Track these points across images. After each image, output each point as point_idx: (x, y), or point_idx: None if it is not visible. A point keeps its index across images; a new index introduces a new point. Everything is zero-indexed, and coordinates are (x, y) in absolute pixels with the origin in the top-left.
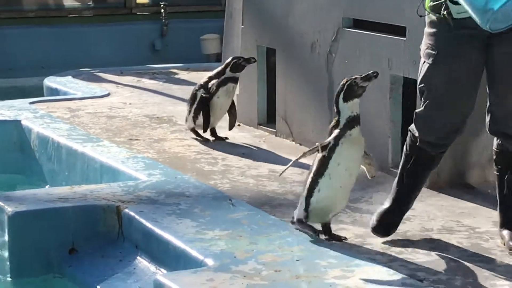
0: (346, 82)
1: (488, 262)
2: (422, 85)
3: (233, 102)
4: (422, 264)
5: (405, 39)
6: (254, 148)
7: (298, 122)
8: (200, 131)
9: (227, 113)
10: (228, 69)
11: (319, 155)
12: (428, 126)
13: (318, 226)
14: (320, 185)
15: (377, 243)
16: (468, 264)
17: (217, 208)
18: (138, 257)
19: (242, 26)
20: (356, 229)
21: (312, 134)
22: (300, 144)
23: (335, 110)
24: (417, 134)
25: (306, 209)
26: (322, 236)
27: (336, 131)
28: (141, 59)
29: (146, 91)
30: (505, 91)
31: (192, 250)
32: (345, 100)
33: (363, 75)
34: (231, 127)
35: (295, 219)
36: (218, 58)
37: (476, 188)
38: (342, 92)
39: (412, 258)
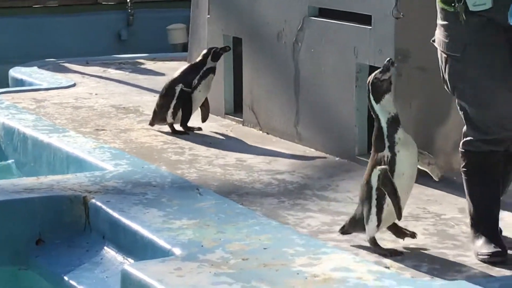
0: (368, 82)
1: (453, 249)
2: (455, 81)
3: None
4: (389, 251)
5: (370, 27)
6: (221, 137)
7: (265, 111)
8: (176, 126)
9: None
10: (209, 59)
11: (381, 169)
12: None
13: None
14: (388, 200)
15: None
16: (434, 251)
17: (184, 198)
18: (105, 247)
19: (208, 16)
20: (323, 217)
21: (279, 123)
22: (268, 134)
23: (374, 116)
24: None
25: (378, 225)
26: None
27: (386, 141)
28: (107, 49)
29: (112, 81)
30: None
31: (159, 239)
32: (377, 100)
33: (380, 69)
34: (204, 119)
35: (366, 239)
36: (184, 48)
37: (442, 176)
38: (371, 94)
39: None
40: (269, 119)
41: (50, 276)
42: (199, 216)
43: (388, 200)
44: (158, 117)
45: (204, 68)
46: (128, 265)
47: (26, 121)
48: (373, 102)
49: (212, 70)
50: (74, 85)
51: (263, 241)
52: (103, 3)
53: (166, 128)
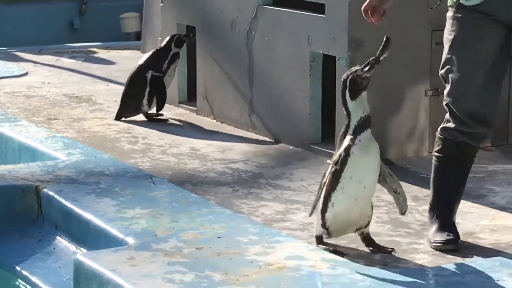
0: (348, 77)
1: (406, 236)
2: (443, 71)
3: None
4: (342, 239)
5: (324, 16)
6: (175, 126)
7: (219, 100)
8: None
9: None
10: (173, 45)
11: (331, 168)
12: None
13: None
14: (333, 199)
15: (297, 219)
16: (387, 239)
17: (138, 187)
18: (57, 237)
19: (162, 4)
20: (277, 205)
21: (233, 112)
22: (221, 122)
23: (345, 113)
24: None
25: (324, 225)
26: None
27: (346, 140)
28: (60, 38)
29: (65, 70)
30: None
31: (112, 229)
32: (353, 97)
33: (363, 65)
34: (161, 107)
35: (314, 235)
36: (138, 37)
37: (395, 164)
38: (347, 90)
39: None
40: (223, 108)
41: (2, 266)
42: (152, 205)
43: (333, 200)
44: (130, 108)
45: (171, 53)
46: (81, 254)
47: None
48: (348, 99)
49: (178, 56)
50: (26, 74)
51: (217, 230)
52: None
53: (139, 118)
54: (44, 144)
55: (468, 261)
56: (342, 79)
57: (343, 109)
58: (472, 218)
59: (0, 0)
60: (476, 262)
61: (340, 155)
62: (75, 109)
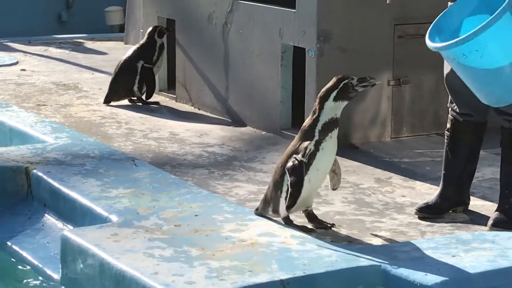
0: (343, 81)
1: (370, 215)
2: None
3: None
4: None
5: (295, 10)
6: (156, 112)
7: (196, 88)
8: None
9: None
10: (156, 37)
11: (299, 159)
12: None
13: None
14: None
15: None
16: (352, 217)
17: (121, 168)
18: (46, 215)
19: None
20: (250, 186)
21: (210, 99)
22: (199, 109)
23: (318, 107)
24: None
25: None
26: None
27: (316, 135)
28: (48, 29)
29: (53, 59)
30: None
31: (97, 207)
32: (336, 99)
33: (360, 78)
34: (150, 96)
35: (280, 217)
36: (121, 29)
37: (359, 148)
38: (336, 90)
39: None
40: (201, 95)
41: None
42: (134, 186)
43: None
44: (119, 93)
45: (158, 45)
46: (68, 231)
47: None
48: (331, 97)
49: (163, 46)
50: (16, 63)
51: (194, 208)
52: None
53: (124, 103)
54: (33, 128)
55: (426, 238)
56: (337, 78)
57: (317, 102)
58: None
59: None
60: (434, 239)
61: (309, 149)
62: (62, 96)
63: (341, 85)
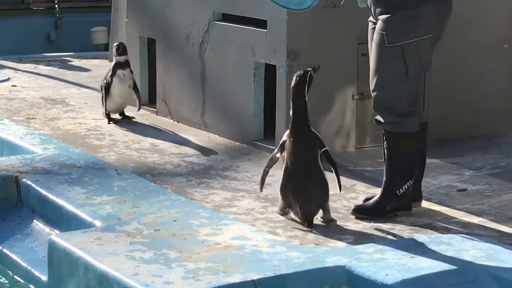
0: (308, 73)
1: (336, 219)
2: None
3: (136, 87)
4: (280, 222)
5: (266, 31)
6: (137, 125)
7: (175, 102)
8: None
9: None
10: (114, 54)
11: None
12: None
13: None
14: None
15: (242, 205)
16: (318, 222)
17: (105, 177)
18: (34, 220)
19: (126, 19)
20: (225, 193)
21: (188, 112)
22: (178, 122)
23: (298, 104)
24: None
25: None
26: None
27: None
28: (38, 48)
29: (42, 76)
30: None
31: (82, 213)
32: (308, 91)
33: (312, 68)
34: (138, 108)
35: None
36: (106, 48)
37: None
38: (307, 84)
39: (272, 217)
40: (179, 109)
41: None
42: (117, 193)
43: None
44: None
45: (113, 63)
46: (55, 235)
47: None
48: (305, 91)
49: (119, 65)
50: (8, 79)
51: (173, 214)
52: (34, 8)
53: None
54: (23, 140)
55: (388, 241)
56: (301, 74)
57: (296, 101)
58: None
59: None
60: (395, 242)
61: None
62: (50, 110)
63: (308, 78)
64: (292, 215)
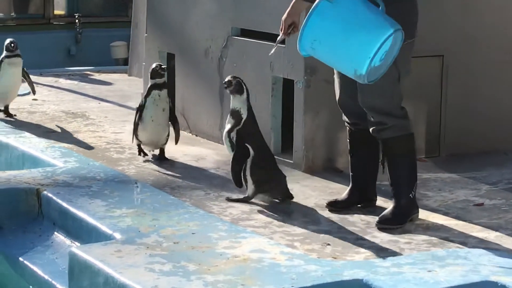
0: (239, 81)
1: (352, 233)
2: None
3: (173, 115)
4: (298, 235)
5: (284, 46)
6: None
7: (194, 116)
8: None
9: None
10: (149, 77)
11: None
12: None
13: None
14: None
15: (260, 218)
16: (336, 236)
17: (124, 190)
18: (55, 233)
19: (146, 34)
20: (243, 206)
21: (206, 126)
22: (196, 136)
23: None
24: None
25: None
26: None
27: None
28: (58, 63)
29: (63, 90)
30: None
31: (102, 225)
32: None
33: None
34: (176, 140)
35: (248, 195)
36: (125, 62)
37: (343, 172)
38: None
39: (290, 230)
40: (198, 123)
41: (8, 257)
42: (136, 206)
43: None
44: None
45: (148, 85)
46: (75, 247)
47: None
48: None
49: (155, 87)
50: (29, 93)
51: (192, 227)
52: (55, 23)
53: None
54: (44, 153)
55: (405, 254)
56: (232, 80)
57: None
58: None
59: (7, 30)
60: (412, 256)
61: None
62: (71, 123)
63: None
64: (265, 197)
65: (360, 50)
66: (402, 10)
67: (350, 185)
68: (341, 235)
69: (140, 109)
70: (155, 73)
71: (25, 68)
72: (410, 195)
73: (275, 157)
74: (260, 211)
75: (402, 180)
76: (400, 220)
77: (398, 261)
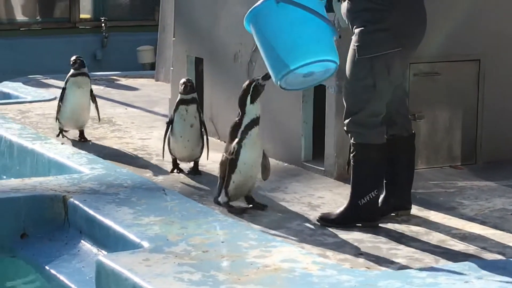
0: (252, 83)
1: (387, 243)
2: None
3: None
4: (330, 245)
5: None
6: None
7: (223, 122)
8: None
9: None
10: (180, 91)
11: (229, 156)
12: None
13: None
14: (233, 179)
15: (291, 227)
16: (369, 245)
17: (152, 198)
18: (82, 241)
19: (174, 38)
20: (273, 214)
21: None
22: (224, 142)
23: (241, 111)
24: None
25: (227, 195)
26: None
27: (239, 134)
28: None
29: None
30: None
31: (130, 234)
32: (252, 101)
33: (261, 76)
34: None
35: (220, 201)
36: (152, 67)
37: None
38: (250, 95)
39: (321, 239)
40: (227, 129)
41: (34, 266)
42: (164, 214)
43: (233, 179)
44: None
45: (176, 101)
46: (102, 256)
47: (13, 130)
48: (248, 101)
49: (183, 102)
50: (55, 98)
51: (221, 235)
52: (81, 27)
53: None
54: (70, 159)
55: (441, 265)
56: (245, 85)
57: (239, 109)
58: (444, 228)
59: (33, 34)
60: (448, 266)
61: (234, 148)
62: (97, 129)
63: (252, 88)
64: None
65: (296, 50)
66: (402, 20)
67: (384, 193)
68: (374, 245)
69: (169, 124)
70: (183, 89)
71: (93, 91)
72: (359, 202)
73: (306, 163)
74: (291, 220)
75: (355, 184)
76: (338, 222)
77: (434, 271)
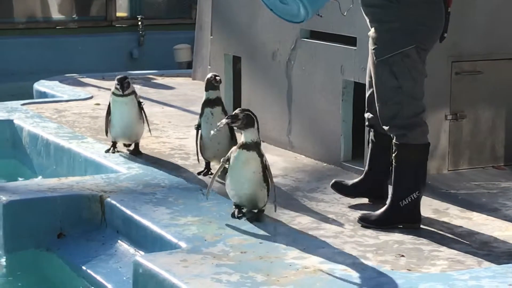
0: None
1: (428, 245)
2: None
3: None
4: (370, 246)
5: (355, 48)
6: None
7: (261, 121)
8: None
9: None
10: (205, 90)
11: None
12: None
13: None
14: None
15: (330, 228)
16: (411, 246)
17: (189, 197)
18: (119, 241)
19: (211, 37)
20: (312, 215)
21: (273, 132)
22: (263, 141)
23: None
24: None
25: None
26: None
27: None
28: (121, 66)
29: None
30: None
31: (167, 234)
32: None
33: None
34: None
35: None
36: (189, 66)
37: None
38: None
39: (361, 241)
40: (265, 128)
41: (71, 266)
42: (202, 214)
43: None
44: None
45: (203, 100)
46: (139, 256)
47: (49, 129)
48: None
49: (208, 104)
50: (91, 97)
51: (259, 236)
52: (117, 25)
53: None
54: (107, 159)
55: (483, 267)
56: (239, 114)
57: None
58: (487, 230)
59: (69, 32)
60: (491, 268)
61: (228, 157)
62: None
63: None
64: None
65: None
66: (414, 15)
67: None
68: (415, 246)
69: (198, 129)
70: (208, 84)
71: (142, 103)
72: (401, 203)
73: (345, 163)
74: (330, 220)
75: (396, 185)
76: (379, 223)
77: (477, 274)
